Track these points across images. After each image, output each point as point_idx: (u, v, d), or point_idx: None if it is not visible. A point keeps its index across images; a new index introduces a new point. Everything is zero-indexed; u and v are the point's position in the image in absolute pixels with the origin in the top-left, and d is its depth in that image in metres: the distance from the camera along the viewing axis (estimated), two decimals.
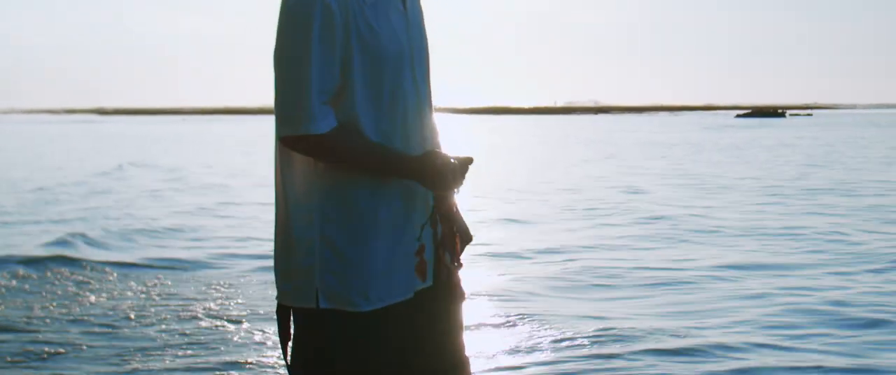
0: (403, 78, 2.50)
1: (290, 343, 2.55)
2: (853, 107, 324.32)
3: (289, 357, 2.53)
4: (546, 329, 6.60)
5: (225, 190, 18.94)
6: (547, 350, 6.16)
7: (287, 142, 2.43)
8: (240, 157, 32.56)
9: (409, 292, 2.53)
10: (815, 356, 5.99)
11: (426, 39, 2.64)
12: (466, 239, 2.66)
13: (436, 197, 2.57)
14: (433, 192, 2.53)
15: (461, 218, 2.65)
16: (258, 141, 46.13)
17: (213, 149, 39.50)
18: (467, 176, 2.53)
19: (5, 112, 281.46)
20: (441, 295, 2.62)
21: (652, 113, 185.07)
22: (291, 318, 2.54)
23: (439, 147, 2.63)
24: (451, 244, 2.63)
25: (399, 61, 2.49)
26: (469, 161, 2.51)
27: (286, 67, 2.40)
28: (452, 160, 2.48)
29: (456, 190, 2.53)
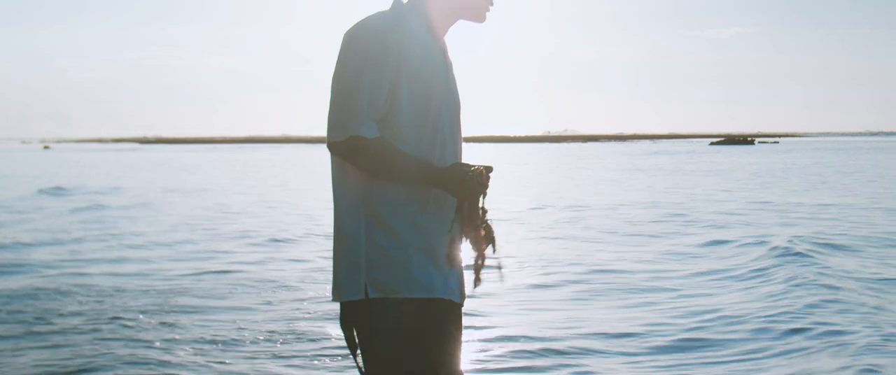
0: (443, 114, 2.62)
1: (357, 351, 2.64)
2: (819, 134, 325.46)
3: (359, 361, 2.64)
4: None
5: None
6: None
7: (335, 147, 2.54)
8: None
9: (445, 294, 2.60)
10: None
11: (457, 85, 2.76)
12: (490, 240, 2.62)
13: (458, 206, 2.57)
14: (456, 201, 2.57)
15: (488, 223, 2.61)
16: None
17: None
18: (490, 183, 2.58)
19: (58, 141, 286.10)
20: (460, 315, 2.70)
21: (634, 141, 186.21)
22: (349, 312, 2.62)
23: None
24: (478, 254, 2.62)
25: (441, 100, 2.62)
26: (490, 169, 2.57)
27: (342, 88, 2.53)
28: (475, 168, 2.54)
29: (481, 196, 2.56)
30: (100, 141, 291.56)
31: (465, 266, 2.65)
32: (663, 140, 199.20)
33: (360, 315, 2.57)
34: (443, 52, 2.69)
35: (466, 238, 2.58)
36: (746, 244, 11.84)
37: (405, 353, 2.53)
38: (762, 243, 11.68)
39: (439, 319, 2.57)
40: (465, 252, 2.62)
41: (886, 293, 8.33)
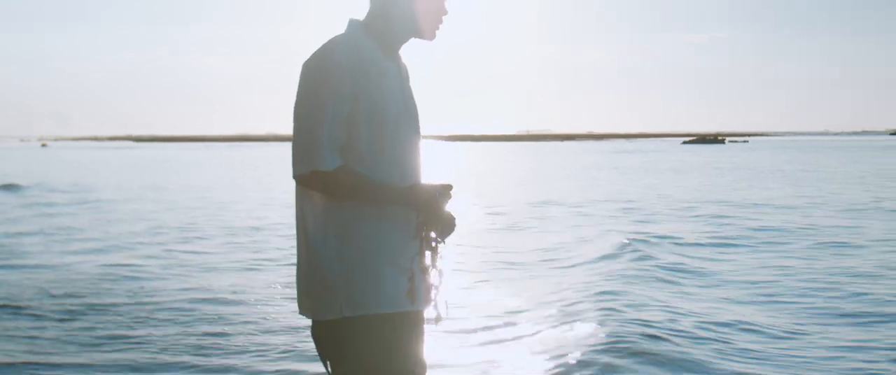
0: (401, 133, 2.69)
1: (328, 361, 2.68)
2: (787, 134, 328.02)
3: (330, 370, 2.68)
4: None
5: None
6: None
7: (301, 180, 2.60)
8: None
9: (414, 305, 2.68)
10: None
11: (416, 104, 2.82)
12: (447, 231, 2.71)
13: (420, 222, 2.67)
14: (419, 218, 2.66)
15: (451, 220, 2.70)
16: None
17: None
18: (450, 199, 2.68)
19: (57, 139, 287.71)
20: (422, 322, 2.78)
21: (612, 140, 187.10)
22: (322, 331, 2.66)
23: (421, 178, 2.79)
24: (432, 276, 2.72)
25: (399, 118, 2.68)
26: (450, 187, 2.66)
27: (303, 121, 2.59)
28: (436, 187, 2.65)
29: (441, 211, 2.66)
30: (95, 139, 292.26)
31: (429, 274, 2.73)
32: (639, 139, 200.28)
33: (333, 332, 2.63)
34: (398, 70, 2.75)
35: (428, 252, 2.69)
36: (594, 238, 12.77)
37: (380, 368, 2.61)
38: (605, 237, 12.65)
39: (410, 331, 2.67)
40: (427, 262, 2.70)
41: (683, 285, 9.11)
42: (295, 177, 2.61)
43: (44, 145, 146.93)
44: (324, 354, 2.68)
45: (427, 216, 2.64)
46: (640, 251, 11.16)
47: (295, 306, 3.07)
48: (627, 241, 11.93)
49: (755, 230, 14.03)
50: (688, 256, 11.19)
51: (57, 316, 7.79)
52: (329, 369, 2.67)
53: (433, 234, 2.67)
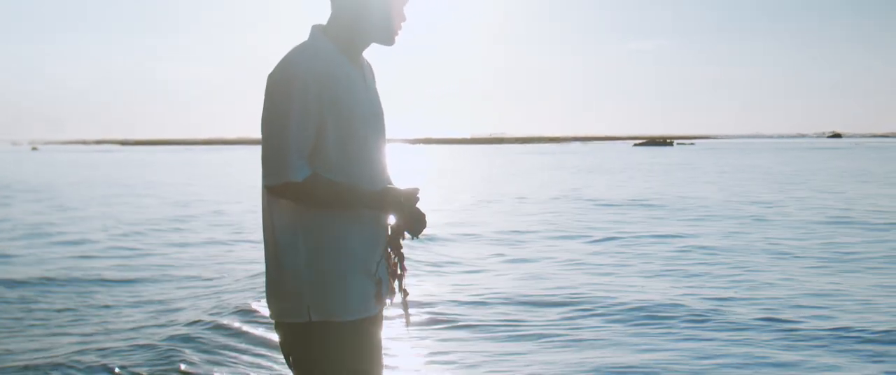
0: (368, 137, 2.65)
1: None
2: (733, 137, 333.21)
3: (292, 367, 2.64)
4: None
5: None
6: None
7: (272, 191, 2.55)
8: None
9: (375, 309, 2.67)
10: None
11: (381, 105, 2.77)
12: (420, 229, 2.70)
13: (392, 227, 2.66)
14: (389, 223, 2.65)
15: (423, 219, 2.70)
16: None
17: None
18: (418, 202, 2.66)
19: (47, 143, 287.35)
20: (382, 318, 2.78)
21: (566, 143, 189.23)
22: (288, 334, 2.62)
23: (391, 181, 2.77)
24: (399, 273, 2.71)
25: (365, 122, 2.64)
26: (417, 190, 2.64)
27: (270, 130, 2.52)
28: (407, 189, 2.63)
29: (415, 210, 2.66)
30: (84, 143, 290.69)
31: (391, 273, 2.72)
32: (594, 141, 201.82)
33: (299, 334, 2.60)
34: (362, 74, 2.70)
35: (395, 255, 2.69)
36: None
37: (341, 370, 2.61)
38: None
39: (373, 334, 2.69)
40: (387, 275, 2.70)
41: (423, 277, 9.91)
42: (266, 187, 2.56)
43: (34, 148, 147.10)
44: (287, 351, 2.66)
45: (401, 216, 2.64)
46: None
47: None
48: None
49: (547, 224, 15.36)
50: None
51: None
52: (291, 367, 2.66)
53: (406, 233, 2.68)
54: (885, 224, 15.19)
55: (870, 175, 32.99)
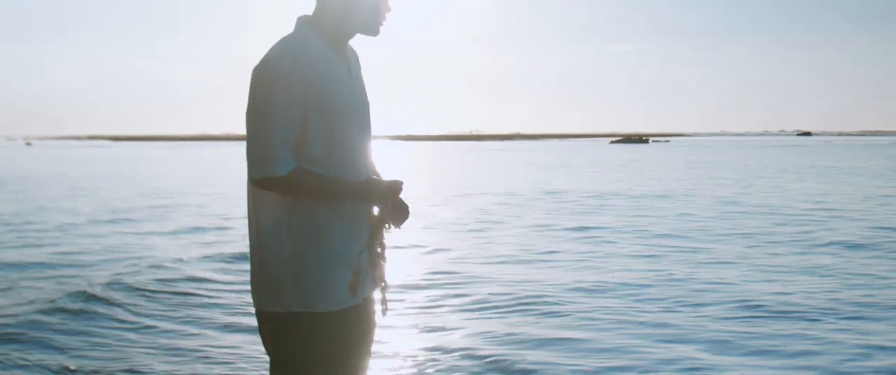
0: (352, 129, 2.62)
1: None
2: (707, 135, 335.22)
3: (272, 356, 2.63)
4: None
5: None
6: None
7: (257, 184, 2.52)
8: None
9: (357, 299, 2.64)
10: None
11: (366, 94, 2.74)
12: (403, 219, 2.71)
13: (375, 218, 2.66)
14: (373, 215, 2.65)
15: (406, 209, 2.71)
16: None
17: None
18: (401, 194, 2.65)
19: (42, 138, 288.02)
20: (371, 309, 2.76)
21: (546, 140, 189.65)
22: (269, 322, 2.60)
23: (377, 173, 2.77)
24: (380, 263, 2.70)
25: (349, 114, 2.61)
26: (400, 183, 2.63)
27: (255, 124, 2.49)
28: (390, 184, 2.62)
29: (399, 201, 2.66)
30: (77, 138, 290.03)
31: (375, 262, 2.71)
32: (572, 139, 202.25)
33: (280, 323, 2.58)
34: (347, 65, 2.67)
35: (377, 246, 2.69)
36: None
37: (321, 359, 2.59)
38: None
39: (354, 324, 2.67)
40: (369, 266, 2.67)
41: None
42: (250, 180, 2.54)
43: (29, 144, 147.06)
44: (267, 339, 2.64)
45: (384, 207, 2.64)
46: None
47: None
48: None
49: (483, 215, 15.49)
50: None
51: None
52: (271, 356, 2.65)
53: (388, 224, 2.68)
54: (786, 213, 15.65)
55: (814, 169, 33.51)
